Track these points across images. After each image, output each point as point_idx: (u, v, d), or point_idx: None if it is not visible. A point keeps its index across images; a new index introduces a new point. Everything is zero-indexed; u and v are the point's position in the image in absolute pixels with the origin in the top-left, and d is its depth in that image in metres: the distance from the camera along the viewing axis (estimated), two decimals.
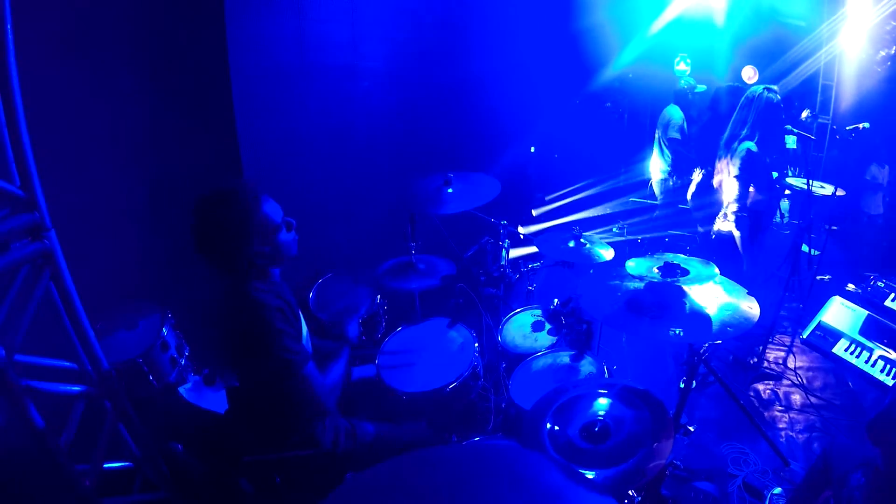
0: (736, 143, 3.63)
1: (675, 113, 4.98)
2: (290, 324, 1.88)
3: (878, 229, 5.09)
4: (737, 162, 3.58)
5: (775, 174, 3.90)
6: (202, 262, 1.88)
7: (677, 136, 4.90)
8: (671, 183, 5.13)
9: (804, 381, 3.60)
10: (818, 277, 4.35)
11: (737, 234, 3.83)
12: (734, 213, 3.76)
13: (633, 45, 5.98)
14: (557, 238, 3.18)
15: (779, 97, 3.59)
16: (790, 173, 5.23)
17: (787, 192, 4.31)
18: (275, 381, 1.86)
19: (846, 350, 3.11)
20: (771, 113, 3.56)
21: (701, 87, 4.96)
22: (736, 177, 3.59)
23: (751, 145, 3.54)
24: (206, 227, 1.83)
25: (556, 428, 1.90)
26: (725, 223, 3.84)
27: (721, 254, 3.88)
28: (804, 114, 3.64)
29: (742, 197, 3.67)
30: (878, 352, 3.06)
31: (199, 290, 2.54)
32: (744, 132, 3.61)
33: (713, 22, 5.87)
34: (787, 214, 4.87)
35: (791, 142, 4.36)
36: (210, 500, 2.35)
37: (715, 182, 3.89)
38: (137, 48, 2.78)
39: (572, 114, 5.95)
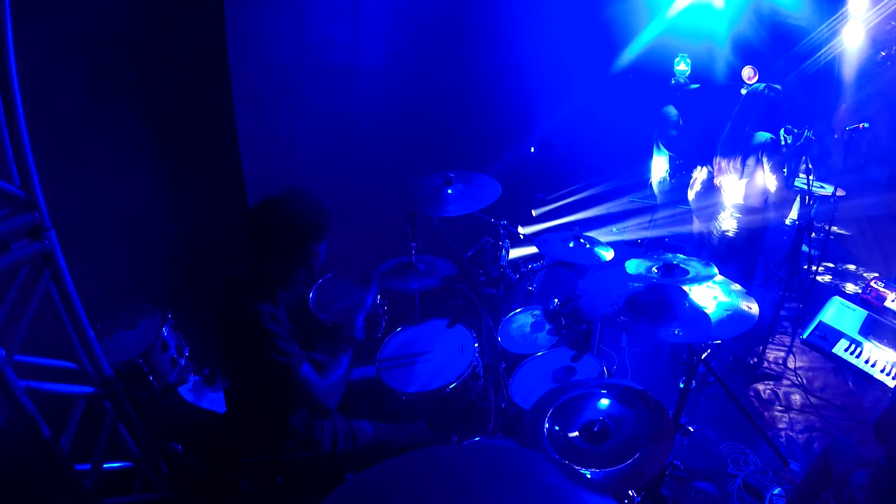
0: (745, 141, 3.59)
1: (670, 111, 5.00)
2: (283, 327, 1.87)
3: (879, 230, 5.09)
4: (763, 156, 3.51)
5: None
6: (206, 261, 1.89)
7: (674, 133, 4.92)
8: (670, 182, 5.13)
9: (804, 381, 3.60)
10: (818, 277, 4.35)
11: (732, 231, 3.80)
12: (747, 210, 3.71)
13: (639, 38, 5.97)
14: (557, 238, 3.18)
15: (781, 96, 3.58)
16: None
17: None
18: (271, 384, 1.86)
19: (846, 350, 3.11)
20: (773, 112, 3.55)
21: (694, 86, 4.97)
22: (772, 169, 3.52)
23: (765, 135, 3.51)
24: (281, 209, 1.84)
25: (556, 428, 1.90)
26: (728, 222, 3.83)
27: (723, 254, 3.87)
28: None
29: (787, 186, 3.60)
30: (877, 352, 3.06)
31: (199, 291, 2.54)
32: (747, 129, 3.59)
33: (712, 7, 5.87)
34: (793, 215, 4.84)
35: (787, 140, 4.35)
36: (210, 500, 2.34)
37: (716, 182, 3.88)
38: (137, 48, 2.78)
39: (572, 113, 5.94)
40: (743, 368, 3.73)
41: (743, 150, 3.59)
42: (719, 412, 3.34)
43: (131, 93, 2.83)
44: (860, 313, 3.29)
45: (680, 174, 5.06)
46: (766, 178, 3.53)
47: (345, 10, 3.71)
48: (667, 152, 5.08)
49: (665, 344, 3.83)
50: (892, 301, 3.49)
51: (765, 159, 3.51)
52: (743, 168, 3.61)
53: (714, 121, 4.61)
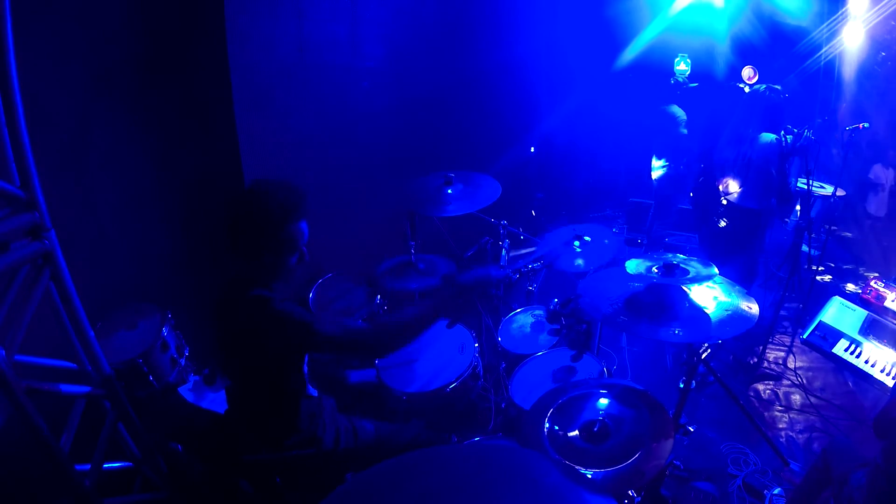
0: (749, 144, 3.59)
1: (677, 111, 5.00)
2: (293, 305, 1.86)
3: (879, 230, 5.09)
4: (767, 159, 3.51)
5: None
6: (206, 261, 1.89)
7: (685, 131, 4.93)
8: (671, 182, 5.13)
9: (804, 381, 3.60)
10: (818, 277, 4.35)
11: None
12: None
13: (640, 37, 5.97)
14: (557, 238, 3.17)
15: (782, 96, 3.58)
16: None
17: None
18: (303, 352, 1.87)
19: (846, 350, 3.11)
20: (775, 112, 3.55)
21: (692, 84, 4.99)
22: (776, 171, 3.52)
23: (771, 136, 3.51)
24: (251, 200, 1.85)
25: (556, 428, 1.90)
26: (724, 222, 3.84)
27: (725, 254, 3.87)
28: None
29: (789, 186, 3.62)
30: (877, 352, 3.06)
31: (199, 291, 2.54)
32: (750, 132, 3.59)
33: (712, 6, 5.87)
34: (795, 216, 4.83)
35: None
36: (210, 500, 2.35)
37: (721, 186, 3.87)
38: (137, 48, 2.78)
39: (573, 112, 5.94)
40: (743, 368, 3.73)
41: (747, 154, 3.59)
42: (719, 412, 3.34)
43: (131, 93, 2.83)
44: (860, 313, 3.29)
45: (680, 174, 5.06)
46: (769, 180, 3.53)
47: (345, 9, 3.71)
48: (669, 152, 5.08)
49: (665, 344, 3.83)
50: (892, 301, 3.49)
51: (769, 162, 3.51)
52: (747, 171, 3.61)
53: (713, 120, 4.62)
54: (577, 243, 3.04)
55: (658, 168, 5.27)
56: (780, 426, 3.28)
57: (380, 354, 1.90)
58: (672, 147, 5.07)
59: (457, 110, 4.56)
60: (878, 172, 5.04)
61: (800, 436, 3.19)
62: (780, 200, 3.66)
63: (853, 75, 5.47)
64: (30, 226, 1.82)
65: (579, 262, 2.80)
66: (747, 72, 5.52)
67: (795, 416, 3.34)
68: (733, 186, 3.75)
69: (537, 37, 5.25)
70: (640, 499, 2.10)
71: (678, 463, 2.82)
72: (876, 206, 5.09)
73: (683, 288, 2.20)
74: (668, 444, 1.79)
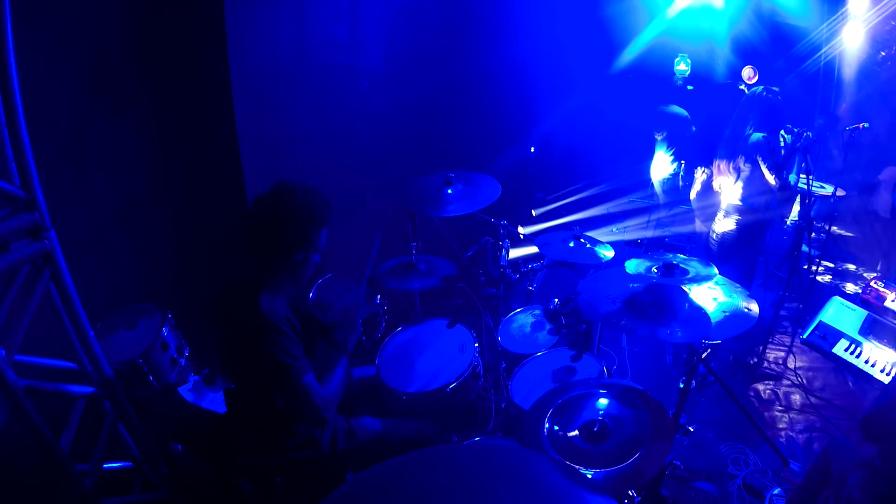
0: (743, 143, 3.60)
1: (681, 110, 5.01)
2: (295, 332, 1.90)
3: (879, 230, 5.08)
4: (758, 156, 3.50)
5: None
6: (207, 261, 1.89)
7: (694, 129, 4.93)
8: (680, 183, 5.13)
9: (804, 381, 3.60)
10: (818, 277, 4.35)
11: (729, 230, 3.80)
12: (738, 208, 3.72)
13: (639, 38, 5.97)
14: (557, 238, 3.17)
15: (779, 98, 3.59)
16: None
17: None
18: (273, 385, 1.86)
19: (846, 350, 3.11)
20: (772, 113, 3.55)
21: (689, 87, 5.00)
22: (769, 168, 3.51)
23: (759, 135, 3.52)
24: (294, 199, 1.88)
25: (556, 428, 1.90)
26: (725, 222, 3.84)
27: (723, 255, 3.88)
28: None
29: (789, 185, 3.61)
30: (877, 352, 3.06)
31: (199, 291, 2.54)
32: (748, 131, 3.59)
33: (712, 7, 5.87)
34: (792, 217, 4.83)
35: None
36: (210, 500, 2.35)
37: (715, 185, 3.88)
38: (137, 48, 2.78)
39: (573, 112, 5.94)
40: (743, 368, 3.73)
41: (740, 152, 3.60)
42: (719, 412, 3.34)
43: (131, 93, 2.83)
44: (860, 313, 3.29)
45: (688, 174, 5.06)
46: (766, 177, 3.53)
47: (345, 9, 3.71)
48: (673, 153, 5.07)
49: (665, 344, 3.83)
50: (892, 301, 3.49)
51: (760, 159, 3.51)
52: (738, 170, 3.61)
53: (715, 121, 4.62)
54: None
55: (663, 171, 5.26)
56: (780, 426, 3.28)
57: (319, 420, 2.00)
58: (684, 147, 5.07)
59: (457, 110, 4.56)
60: (888, 173, 5.02)
61: (800, 436, 3.20)
62: (779, 199, 3.66)
63: (853, 75, 5.48)
64: (30, 226, 1.82)
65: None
66: (747, 72, 5.53)
67: (795, 416, 3.35)
68: (727, 184, 3.75)
69: (537, 37, 5.25)
70: (640, 499, 2.10)
71: (678, 463, 2.82)
72: (883, 206, 5.07)
73: (683, 288, 2.20)
74: (668, 444, 1.79)
